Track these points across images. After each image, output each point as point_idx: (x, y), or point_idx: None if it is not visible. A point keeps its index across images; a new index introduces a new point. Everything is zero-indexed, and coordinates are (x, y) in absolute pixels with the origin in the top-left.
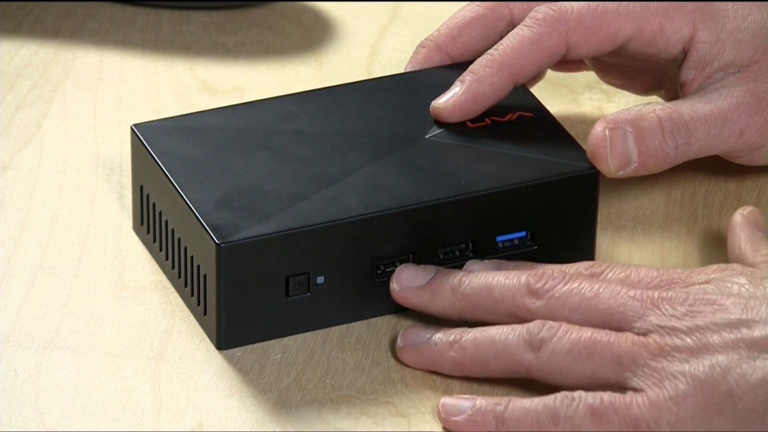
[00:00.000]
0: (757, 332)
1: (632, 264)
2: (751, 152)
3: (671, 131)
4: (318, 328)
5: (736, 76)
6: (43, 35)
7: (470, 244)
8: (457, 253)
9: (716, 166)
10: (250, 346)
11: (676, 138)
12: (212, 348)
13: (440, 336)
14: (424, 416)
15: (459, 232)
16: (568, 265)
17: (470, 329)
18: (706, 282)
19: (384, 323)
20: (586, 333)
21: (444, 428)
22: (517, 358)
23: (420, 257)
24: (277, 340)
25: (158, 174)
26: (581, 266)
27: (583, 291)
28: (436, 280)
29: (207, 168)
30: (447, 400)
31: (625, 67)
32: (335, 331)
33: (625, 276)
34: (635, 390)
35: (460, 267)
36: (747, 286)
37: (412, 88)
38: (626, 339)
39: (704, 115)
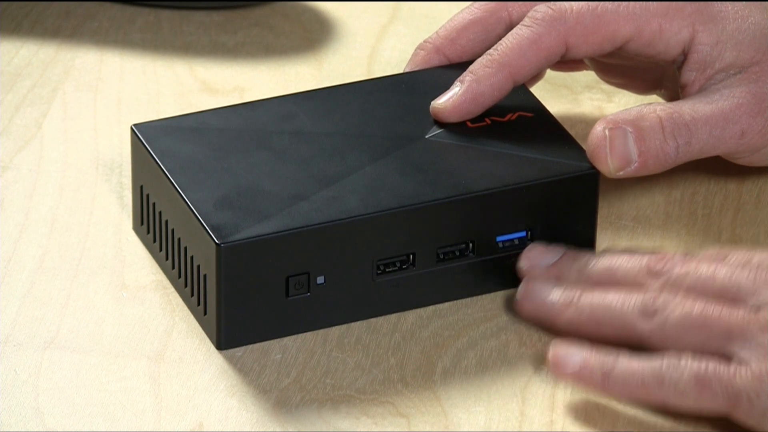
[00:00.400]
0: None
1: (755, 252)
2: (752, 153)
3: (672, 131)
4: (318, 328)
5: (737, 77)
6: (43, 35)
7: (470, 244)
8: (457, 253)
9: (716, 166)
10: (250, 346)
11: (677, 138)
12: (212, 348)
13: (558, 294)
14: (424, 416)
15: (459, 232)
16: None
17: (589, 291)
18: None
19: (384, 323)
20: (699, 305)
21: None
22: (631, 326)
23: (420, 257)
24: (277, 340)
25: (158, 174)
26: (704, 253)
27: (700, 271)
28: (564, 260)
29: (207, 168)
30: (558, 351)
31: (625, 67)
32: (335, 331)
33: (747, 260)
34: (741, 362)
35: (460, 267)
36: None
37: (412, 88)
38: (738, 313)
39: (705, 116)
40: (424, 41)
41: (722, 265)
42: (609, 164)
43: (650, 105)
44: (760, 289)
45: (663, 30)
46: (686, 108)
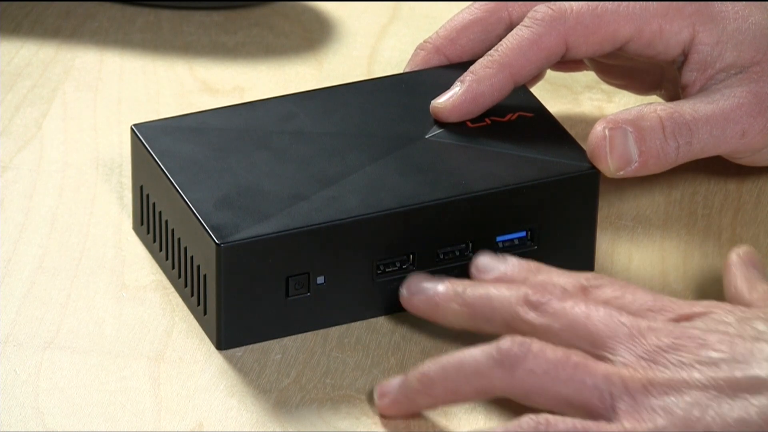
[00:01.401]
0: (738, 372)
1: (629, 283)
2: (753, 153)
3: (672, 131)
4: (318, 328)
5: (738, 77)
6: (43, 35)
7: (470, 244)
8: (457, 253)
9: (716, 166)
10: (250, 346)
11: (677, 138)
12: (212, 348)
13: (409, 375)
14: (424, 416)
15: (459, 232)
16: (568, 276)
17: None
18: (697, 315)
19: (384, 323)
20: (564, 353)
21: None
22: (488, 378)
23: (420, 257)
24: (277, 340)
25: (158, 174)
26: (581, 277)
27: (576, 310)
28: (443, 287)
29: (207, 168)
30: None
31: (624, 67)
32: (335, 331)
33: (621, 295)
34: (611, 420)
35: (460, 267)
36: (735, 325)
37: (412, 88)
38: (608, 366)
39: (706, 116)
40: (424, 41)
41: (599, 305)
42: (609, 164)
43: (650, 105)
44: (633, 340)
45: (663, 30)
46: (687, 108)
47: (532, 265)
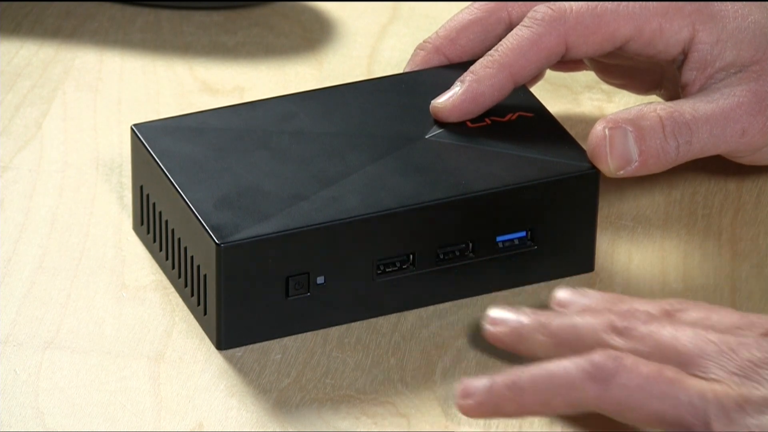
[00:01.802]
0: None
1: (713, 305)
2: (753, 152)
3: (672, 131)
4: (318, 328)
5: (738, 76)
6: (43, 35)
7: (470, 244)
8: (457, 253)
9: (716, 166)
10: (250, 346)
11: (677, 137)
12: (212, 348)
13: (498, 380)
14: (424, 416)
15: (459, 232)
16: (651, 303)
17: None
18: None
19: (384, 323)
20: (658, 368)
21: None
22: (580, 392)
23: (420, 257)
24: (277, 340)
25: (158, 174)
26: (664, 303)
27: (663, 332)
28: (527, 319)
29: (207, 168)
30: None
31: (624, 67)
32: (335, 331)
33: (706, 316)
34: None
35: (460, 267)
36: None
37: (412, 88)
38: (702, 382)
39: (706, 115)
40: (424, 41)
41: (685, 326)
42: (609, 164)
43: (650, 104)
44: (723, 357)
45: (663, 29)
46: (687, 107)
47: (614, 296)
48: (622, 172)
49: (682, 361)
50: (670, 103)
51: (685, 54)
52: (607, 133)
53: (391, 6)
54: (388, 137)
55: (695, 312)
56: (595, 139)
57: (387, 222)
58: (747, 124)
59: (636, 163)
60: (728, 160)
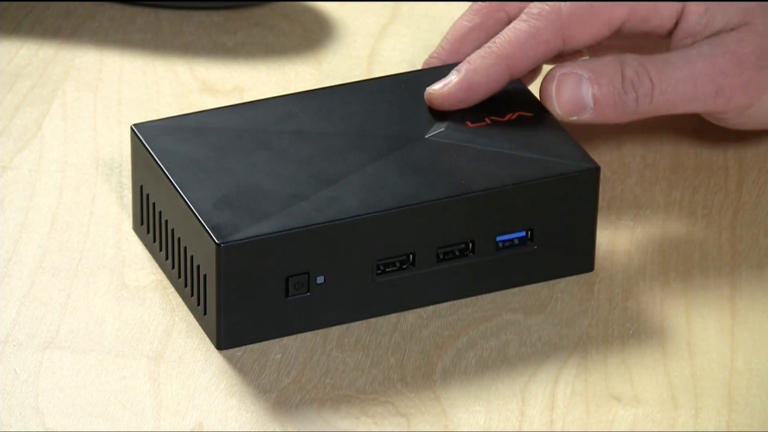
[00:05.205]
0: None
1: None
2: (738, 114)
3: (632, 81)
4: (318, 328)
5: (721, 36)
6: (43, 35)
7: (470, 244)
8: (457, 253)
9: (716, 166)
10: (250, 346)
11: (636, 89)
12: (212, 348)
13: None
14: (424, 416)
15: (459, 232)
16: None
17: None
18: None
19: (384, 323)
20: None
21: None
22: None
23: (420, 257)
24: (277, 340)
25: (158, 174)
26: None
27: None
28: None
29: (207, 168)
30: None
31: (617, 47)
32: (335, 331)
33: None
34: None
35: (460, 266)
36: None
37: (412, 88)
38: None
39: (675, 70)
40: (430, 57)
41: None
42: (556, 107)
43: (621, 55)
44: None
45: (656, 4)
46: (657, 61)
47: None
48: (574, 117)
49: None
50: (640, 56)
51: (676, 24)
52: (557, 76)
53: (391, 6)
54: (388, 137)
55: None
56: (544, 82)
57: (387, 222)
58: (721, 84)
59: (591, 111)
60: (729, 156)
